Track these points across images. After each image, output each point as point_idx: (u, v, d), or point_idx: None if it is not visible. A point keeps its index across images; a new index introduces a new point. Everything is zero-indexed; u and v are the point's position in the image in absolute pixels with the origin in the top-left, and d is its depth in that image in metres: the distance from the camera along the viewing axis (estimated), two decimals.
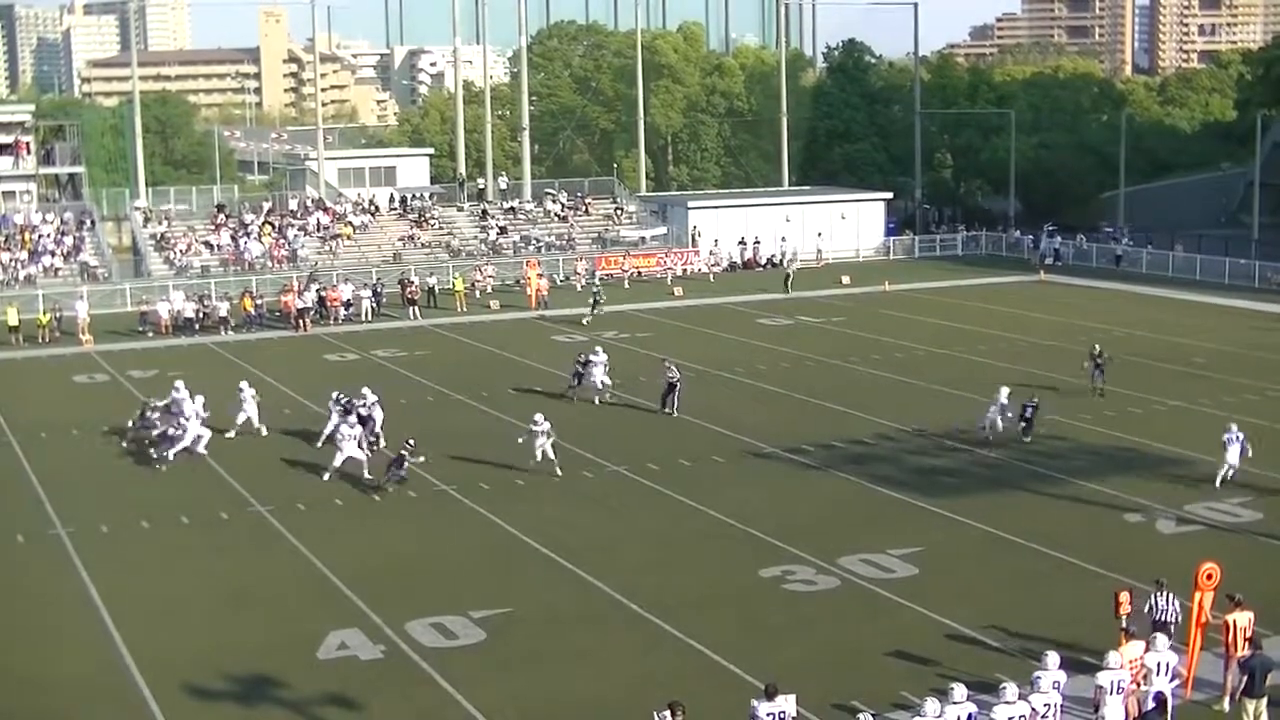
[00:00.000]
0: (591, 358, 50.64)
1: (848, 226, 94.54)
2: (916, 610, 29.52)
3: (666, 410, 48.00)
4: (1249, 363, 56.79)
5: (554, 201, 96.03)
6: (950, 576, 31.72)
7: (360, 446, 40.90)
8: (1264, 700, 23.42)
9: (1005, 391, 44.34)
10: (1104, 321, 66.78)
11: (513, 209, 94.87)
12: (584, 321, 66.38)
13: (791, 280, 79.05)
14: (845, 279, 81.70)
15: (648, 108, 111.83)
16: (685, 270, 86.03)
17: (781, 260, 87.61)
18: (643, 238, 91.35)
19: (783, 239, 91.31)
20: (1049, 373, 54.80)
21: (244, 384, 47.70)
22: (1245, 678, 23.50)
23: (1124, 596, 26.08)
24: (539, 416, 41.25)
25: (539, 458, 40.64)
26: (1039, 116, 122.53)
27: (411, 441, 40.09)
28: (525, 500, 38.38)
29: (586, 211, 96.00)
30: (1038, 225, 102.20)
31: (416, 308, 71.36)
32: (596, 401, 49.74)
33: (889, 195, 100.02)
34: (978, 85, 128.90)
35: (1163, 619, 25.88)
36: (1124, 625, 25.06)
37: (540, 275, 76.02)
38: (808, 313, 67.94)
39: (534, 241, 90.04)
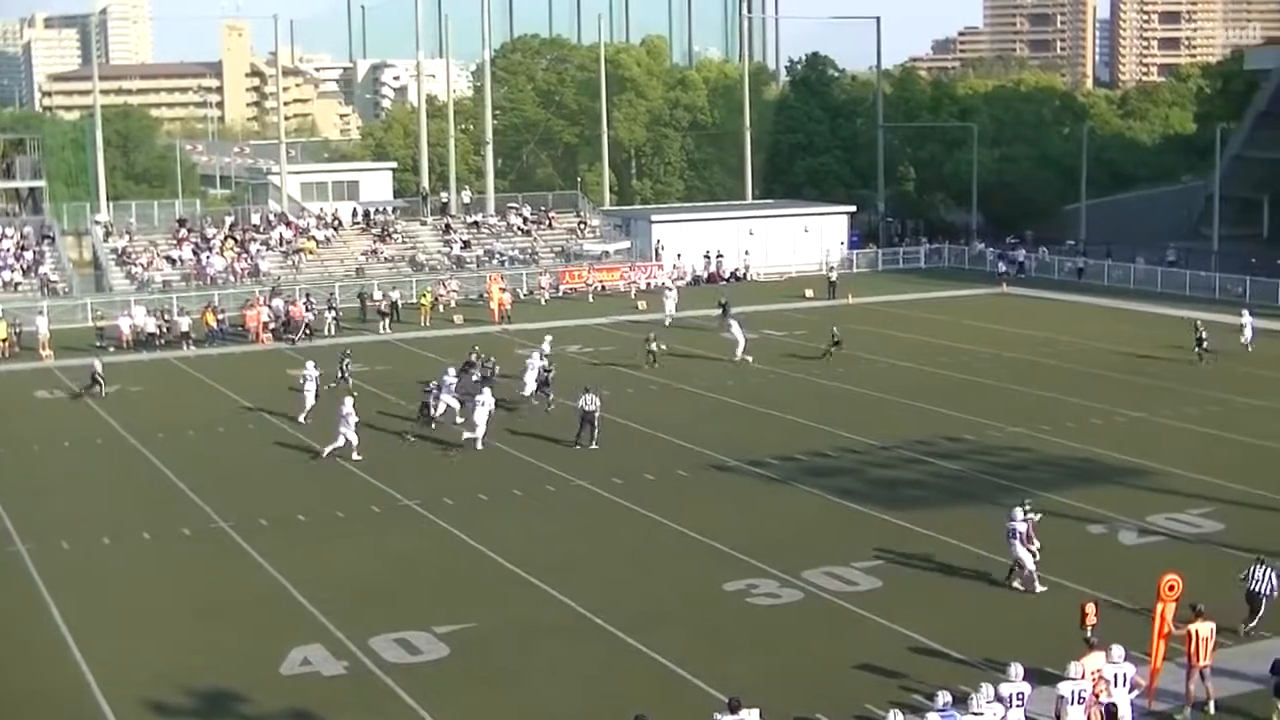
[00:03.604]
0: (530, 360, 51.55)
1: (811, 240, 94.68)
2: (880, 623, 29.55)
3: (580, 444, 45.35)
4: (1211, 374, 57.05)
5: (517, 215, 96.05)
6: (914, 589, 31.76)
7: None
8: None
9: None
10: (1065, 333, 67.04)
11: (476, 223, 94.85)
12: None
13: (835, 288, 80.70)
14: (809, 292, 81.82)
15: (611, 121, 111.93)
16: (649, 284, 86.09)
17: (738, 276, 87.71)
18: (606, 251, 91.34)
19: (746, 252, 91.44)
20: (1006, 384, 55.07)
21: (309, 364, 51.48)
22: (1277, 679, 23.69)
23: (1089, 608, 26.20)
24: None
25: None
26: (1001, 129, 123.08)
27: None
28: (489, 515, 38.30)
29: (550, 225, 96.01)
30: (1000, 238, 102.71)
31: (387, 321, 71.21)
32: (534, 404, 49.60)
33: (851, 208, 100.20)
34: (940, 98, 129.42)
35: (1257, 590, 27.40)
36: (1087, 636, 25.13)
37: (503, 289, 75.93)
38: (771, 326, 67.98)
39: (497, 255, 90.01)
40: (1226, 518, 36.77)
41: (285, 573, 33.35)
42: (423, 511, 38.60)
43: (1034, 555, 31.34)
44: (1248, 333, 62.24)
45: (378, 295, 74.56)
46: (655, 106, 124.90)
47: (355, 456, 44.40)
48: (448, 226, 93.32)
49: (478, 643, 28.84)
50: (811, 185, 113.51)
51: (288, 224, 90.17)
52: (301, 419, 49.83)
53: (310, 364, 52.48)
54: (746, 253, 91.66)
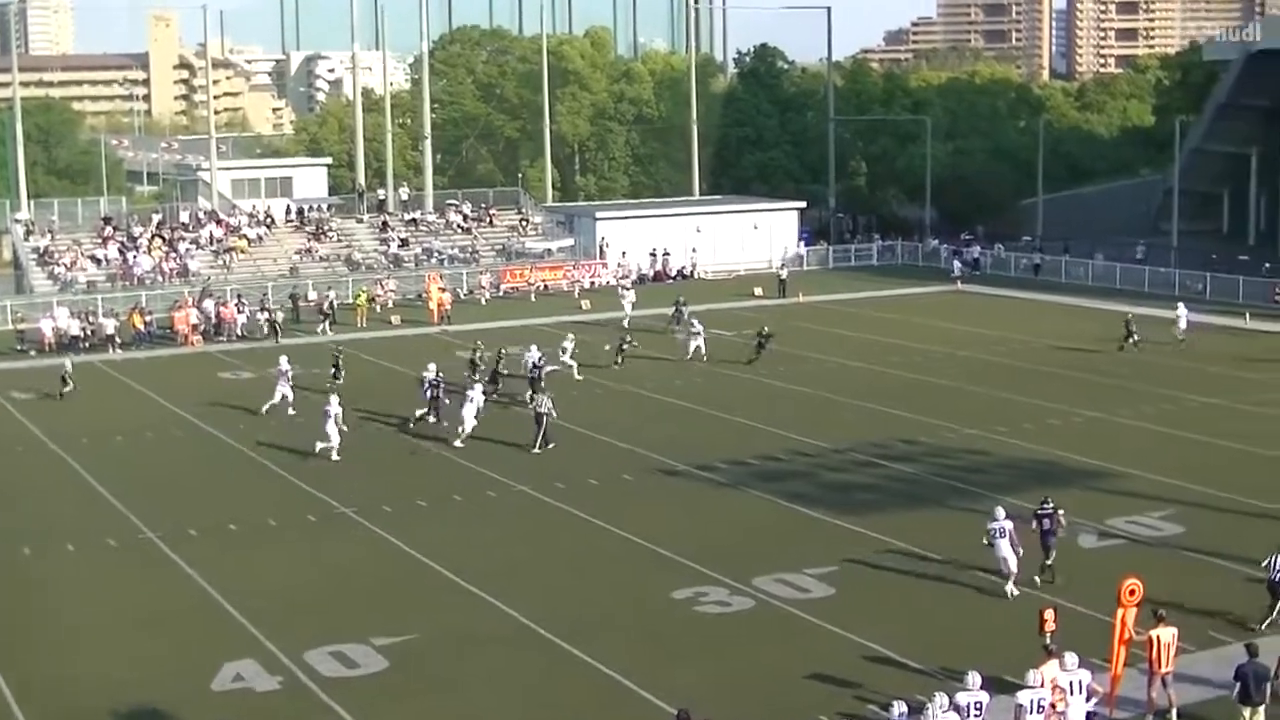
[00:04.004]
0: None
1: (760, 237, 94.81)
2: (834, 631, 29.57)
3: (540, 447, 45.66)
4: (1168, 372, 57.44)
5: (457, 213, 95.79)
6: (868, 596, 31.82)
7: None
8: (1262, 709, 23.73)
9: None
10: (1021, 331, 67.37)
11: (414, 220, 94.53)
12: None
13: (786, 286, 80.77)
14: (758, 290, 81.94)
15: (554, 115, 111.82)
16: (593, 283, 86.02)
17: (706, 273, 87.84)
18: (549, 250, 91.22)
19: (693, 250, 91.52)
20: (961, 384, 55.30)
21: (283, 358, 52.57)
22: (1239, 685, 23.78)
23: (1048, 614, 26.27)
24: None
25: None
26: (955, 123, 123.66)
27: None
28: (428, 522, 38.17)
29: (491, 223, 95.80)
30: (954, 234, 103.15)
31: (328, 322, 70.76)
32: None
33: (802, 204, 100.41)
34: (893, 91, 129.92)
35: (1279, 579, 28.04)
36: (1046, 643, 25.20)
37: (443, 289, 75.70)
38: (720, 325, 68.00)
39: (436, 254, 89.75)
40: (1187, 520, 37.00)
41: (216, 584, 33.11)
42: (359, 519, 38.42)
43: (1049, 551, 32.20)
44: (1181, 324, 63.70)
45: (313, 295, 74.17)
46: (599, 100, 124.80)
47: (335, 457, 44.69)
48: (385, 224, 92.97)
49: (417, 654, 28.71)
50: (760, 180, 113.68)
51: (218, 222, 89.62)
52: (264, 410, 50.97)
53: (284, 358, 53.45)
54: (694, 250, 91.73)
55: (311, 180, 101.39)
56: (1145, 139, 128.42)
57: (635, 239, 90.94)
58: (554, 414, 46.58)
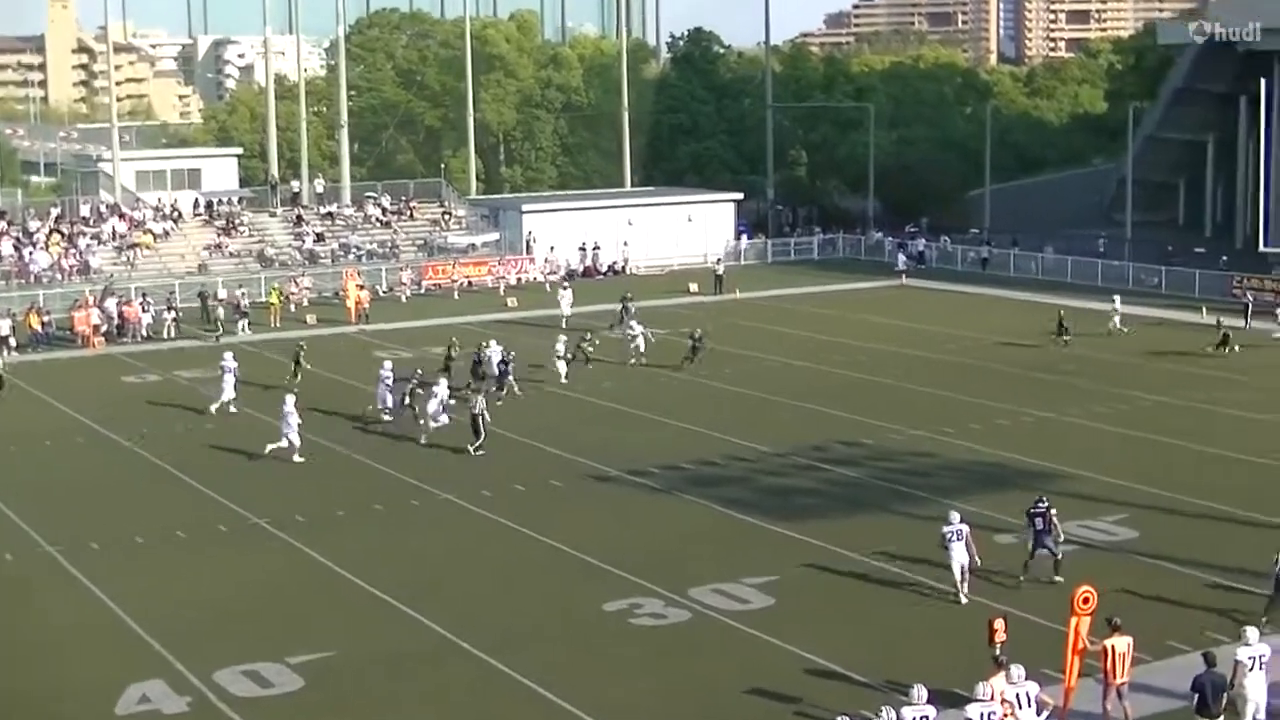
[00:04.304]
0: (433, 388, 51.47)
1: (695, 230, 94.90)
2: (774, 643, 29.63)
3: (478, 450, 46.01)
4: (1122, 370, 57.91)
5: (376, 205, 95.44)
6: (810, 606, 31.90)
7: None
8: None
9: None
10: (969, 328, 67.76)
11: (330, 214, 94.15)
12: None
13: (722, 282, 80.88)
14: (693, 287, 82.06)
15: (477, 103, 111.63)
16: (519, 279, 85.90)
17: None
18: (473, 244, 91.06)
19: (625, 244, 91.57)
20: (906, 384, 55.57)
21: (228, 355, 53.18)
22: (1196, 696, 23.97)
23: (998, 624, 26.40)
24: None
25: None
26: (899, 109, 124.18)
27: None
28: (346, 532, 38.04)
29: (411, 216, 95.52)
30: (899, 226, 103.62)
31: (246, 321, 70.33)
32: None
33: (739, 196, 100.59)
34: (834, 76, 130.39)
35: None
36: (996, 655, 25.33)
37: (361, 286, 75.44)
38: (654, 324, 67.99)
39: (354, 249, 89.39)
40: (1141, 524, 37.30)
41: (121, 600, 32.85)
42: (274, 530, 38.23)
43: (1054, 552, 32.70)
44: (1116, 319, 65.50)
45: (223, 293, 73.78)
46: (526, 87, 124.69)
47: (297, 459, 44.86)
48: (299, 218, 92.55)
49: (335, 672, 28.59)
50: (695, 171, 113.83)
51: (121, 216, 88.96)
52: (213, 409, 51.53)
53: (229, 355, 53.95)
54: (625, 244, 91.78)
55: (221, 172, 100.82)
56: (1097, 126, 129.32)
57: (564, 233, 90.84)
58: (486, 416, 46.62)
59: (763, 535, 37.26)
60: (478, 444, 45.90)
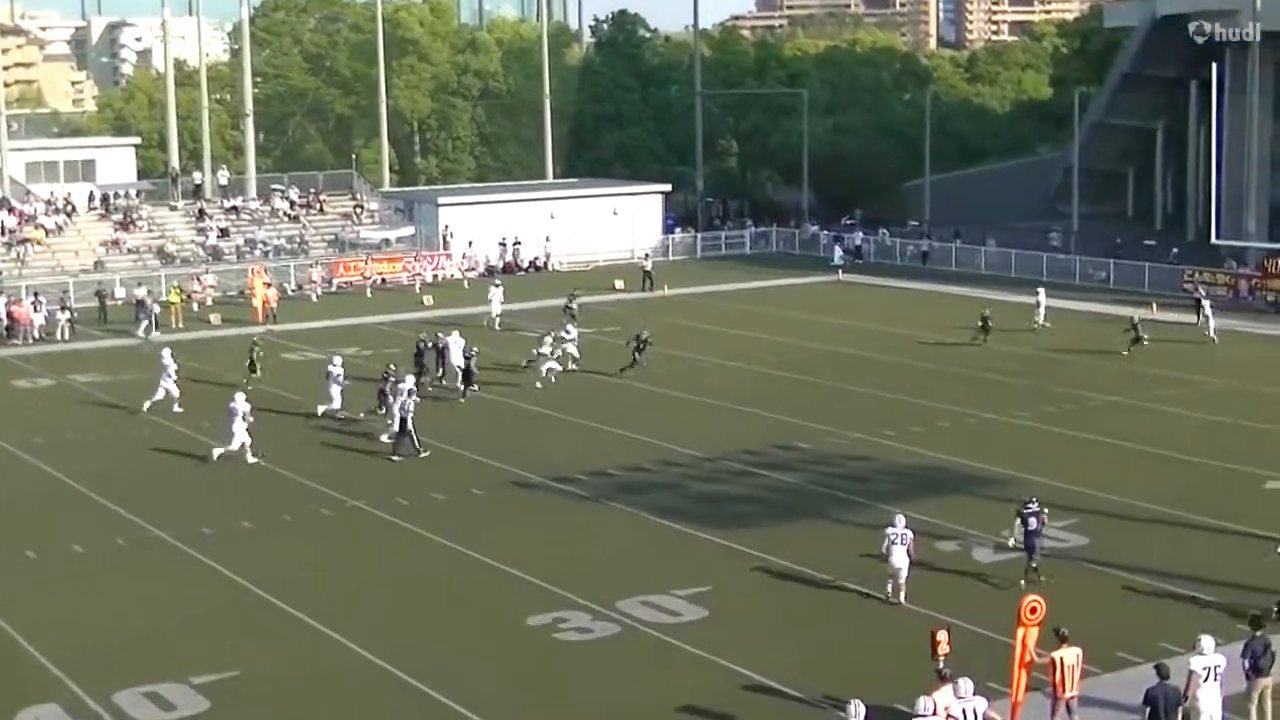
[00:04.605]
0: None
1: (621, 224, 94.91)
2: (707, 658, 29.65)
3: (420, 452, 46.19)
4: (1070, 369, 58.29)
5: (283, 199, 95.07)
6: (745, 618, 31.95)
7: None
8: None
9: None
10: (909, 325, 68.03)
11: (235, 208, 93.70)
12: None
13: (652, 279, 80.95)
14: (619, 283, 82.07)
15: (390, 90, 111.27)
16: (436, 276, 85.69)
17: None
18: (386, 239, 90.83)
19: (547, 239, 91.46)
20: (843, 384, 55.75)
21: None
22: (1149, 709, 24.13)
23: (941, 635, 26.50)
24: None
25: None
26: (834, 96, 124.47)
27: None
28: (254, 545, 37.81)
29: (321, 210, 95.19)
30: (835, 219, 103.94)
31: (153, 320, 69.79)
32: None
33: (667, 187, 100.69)
34: (766, 61, 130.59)
35: None
36: (939, 668, 25.42)
37: (268, 285, 75.09)
38: (580, 323, 67.94)
39: (260, 245, 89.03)
40: (1091, 530, 37.53)
41: (12, 621, 32.51)
42: (176, 543, 37.95)
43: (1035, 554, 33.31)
44: (1041, 313, 66.53)
45: (120, 293, 73.27)
46: (441, 73, 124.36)
47: (250, 459, 45.12)
48: (202, 212, 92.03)
49: (241, 694, 28.43)
50: (621, 161, 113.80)
51: (10, 210, 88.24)
52: (146, 406, 51.95)
53: (167, 352, 53.99)
54: (547, 239, 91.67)
55: (118, 163, 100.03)
56: (1042, 113, 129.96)
57: (482, 227, 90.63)
58: (412, 418, 46.55)
59: (694, 544, 37.28)
60: (404, 446, 45.90)
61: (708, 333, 67.40)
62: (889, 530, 32.52)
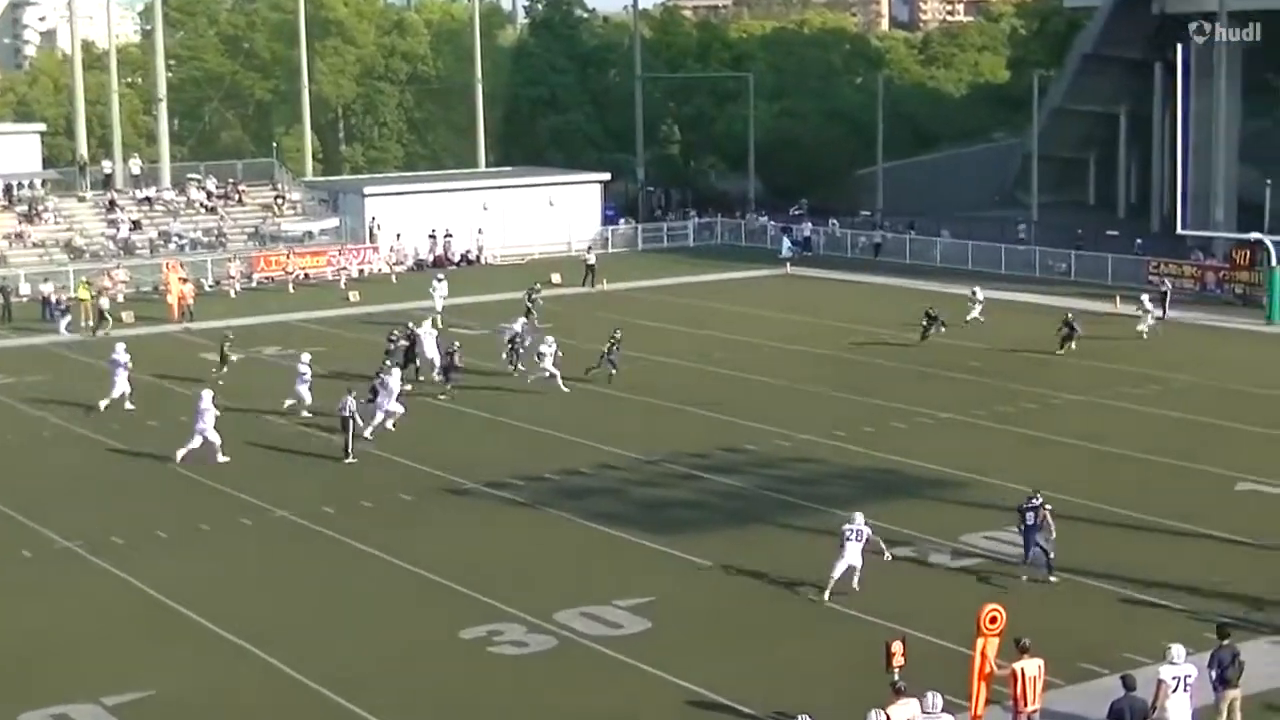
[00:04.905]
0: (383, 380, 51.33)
1: (557, 215, 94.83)
2: (650, 672, 29.63)
3: (349, 457, 46.28)
4: (1030, 367, 58.51)
5: (200, 189, 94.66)
6: (690, 630, 31.93)
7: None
8: None
9: None
10: (861, 321, 68.19)
11: (148, 199, 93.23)
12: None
13: (594, 273, 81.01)
14: (555, 277, 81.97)
15: (313, 74, 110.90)
16: (363, 270, 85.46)
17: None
18: (309, 232, 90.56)
19: (479, 231, 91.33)
20: (792, 383, 55.85)
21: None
22: None
23: (896, 647, 26.54)
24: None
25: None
26: (782, 80, 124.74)
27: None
28: (170, 556, 37.61)
29: (240, 201, 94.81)
30: (783, 209, 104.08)
31: (68, 320, 69.31)
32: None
33: (606, 176, 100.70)
34: (709, 43, 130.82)
35: None
36: (894, 681, 25.46)
37: (184, 280, 74.74)
38: (509, 319, 67.84)
39: (176, 238, 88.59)
40: (1055, 535, 37.61)
41: None
42: (86, 555, 37.74)
43: (1046, 550, 34.05)
44: (976, 309, 66.68)
45: (25, 289, 72.80)
46: (367, 55, 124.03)
47: (221, 458, 45.38)
48: (112, 203, 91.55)
49: (157, 715, 28.29)
50: (557, 149, 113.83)
51: None
52: (102, 405, 52.34)
53: (120, 346, 54.48)
54: (480, 231, 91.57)
55: (21, 151, 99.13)
56: (999, 97, 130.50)
57: (411, 218, 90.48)
58: (358, 420, 46.65)
59: (636, 552, 37.28)
60: (350, 447, 46.17)
61: (648, 329, 67.35)
62: (846, 526, 33.13)
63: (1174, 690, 24.58)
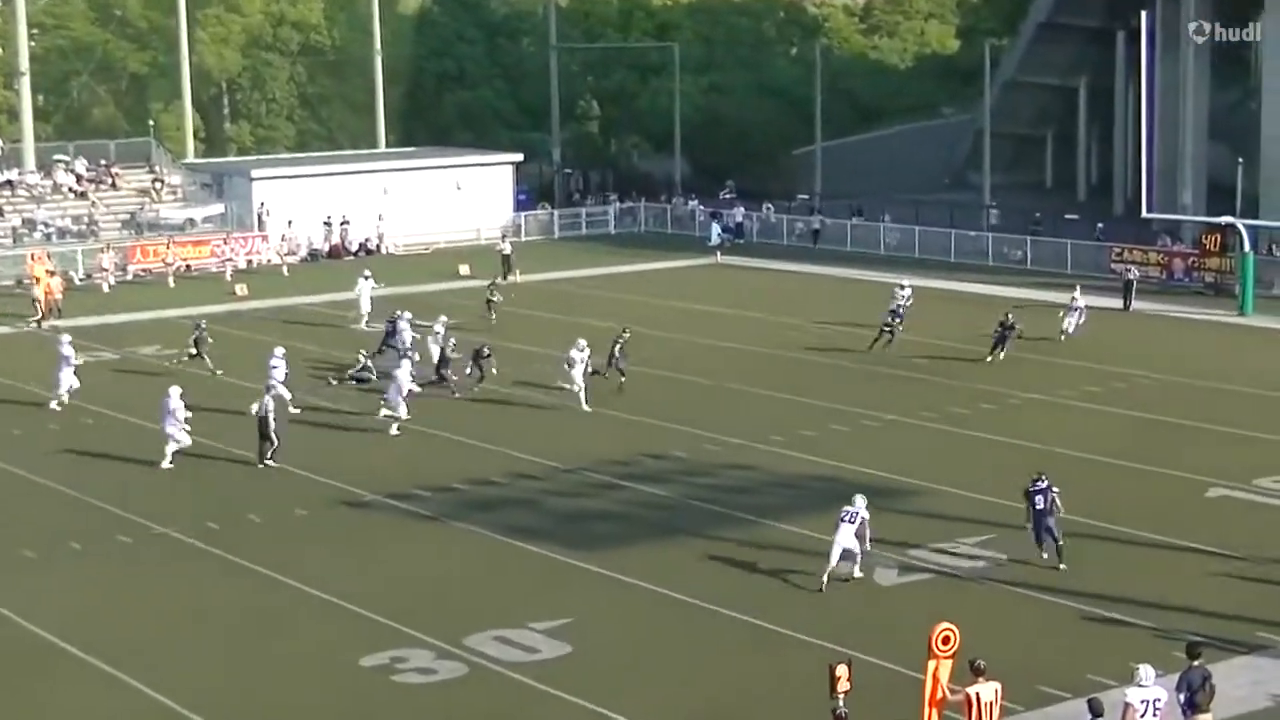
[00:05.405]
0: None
1: (465, 199, 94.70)
2: (570, 700, 29.60)
3: (265, 461, 46.50)
4: (985, 364, 58.66)
5: (68, 172, 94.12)
6: (612, 654, 31.93)
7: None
8: None
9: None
10: (798, 315, 68.33)
11: (9, 182, 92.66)
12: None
13: (510, 263, 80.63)
14: (464, 269, 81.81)
15: (193, 44, 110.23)
16: (251, 262, 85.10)
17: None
18: (191, 219, 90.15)
19: (380, 218, 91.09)
20: (724, 382, 55.92)
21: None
22: None
23: (840, 670, 26.57)
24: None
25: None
26: (710, 51, 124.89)
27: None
28: (36, 579, 37.31)
29: (114, 185, 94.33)
30: (713, 192, 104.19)
31: None
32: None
33: (518, 157, 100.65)
34: (631, 12, 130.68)
35: None
36: (837, 708, 25.50)
37: (51, 273, 74.30)
38: (418, 313, 67.67)
39: (41, 227, 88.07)
40: (1009, 546, 37.71)
41: None
42: None
43: (1056, 538, 35.70)
44: (900, 305, 64.15)
45: None
46: (253, 24, 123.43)
47: (166, 465, 46.00)
48: None
49: None
50: (465, 127, 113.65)
51: None
52: (54, 405, 53.24)
53: (65, 338, 55.40)
54: (380, 218, 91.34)
55: None
56: (948, 69, 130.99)
57: (304, 204, 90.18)
58: (274, 420, 46.72)
59: (553, 569, 37.25)
60: (270, 453, 46.35)
61: (566, 325, 67.10)
62: (846, 508, 34.80)
63: (1142, 715, 24.70)
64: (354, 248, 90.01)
